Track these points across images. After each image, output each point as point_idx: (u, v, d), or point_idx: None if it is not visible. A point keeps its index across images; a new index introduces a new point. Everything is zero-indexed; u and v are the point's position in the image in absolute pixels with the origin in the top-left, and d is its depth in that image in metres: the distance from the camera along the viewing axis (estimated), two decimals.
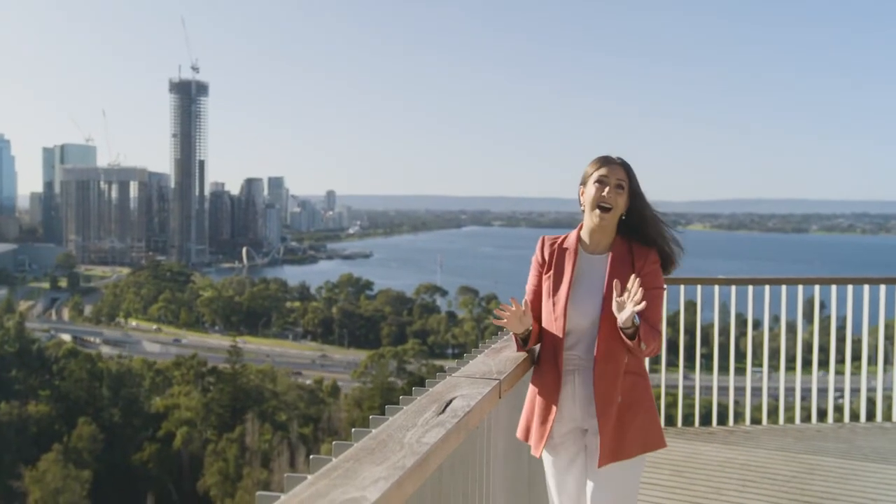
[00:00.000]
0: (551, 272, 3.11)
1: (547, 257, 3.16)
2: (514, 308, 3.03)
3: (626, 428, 2.99)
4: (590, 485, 3.05)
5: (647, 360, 3.26)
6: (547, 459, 3.19)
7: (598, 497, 3.02)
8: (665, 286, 3.10)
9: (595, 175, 3.04)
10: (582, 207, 3.10)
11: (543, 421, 3.08)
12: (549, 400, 3.07)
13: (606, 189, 3.00)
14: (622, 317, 2.84)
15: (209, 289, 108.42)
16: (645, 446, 3.04)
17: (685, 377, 7.10)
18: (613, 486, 3.01)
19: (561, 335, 3.04)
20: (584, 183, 3.09)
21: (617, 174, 3.02)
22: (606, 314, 2.96)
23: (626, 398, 2.99)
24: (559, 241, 3.18)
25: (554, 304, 3.07)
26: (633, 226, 3.07)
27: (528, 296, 3.20)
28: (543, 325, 3.12)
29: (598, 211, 3.01)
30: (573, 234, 3.16)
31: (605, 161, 3.06)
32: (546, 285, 3.13)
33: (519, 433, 3.22)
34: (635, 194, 3.05)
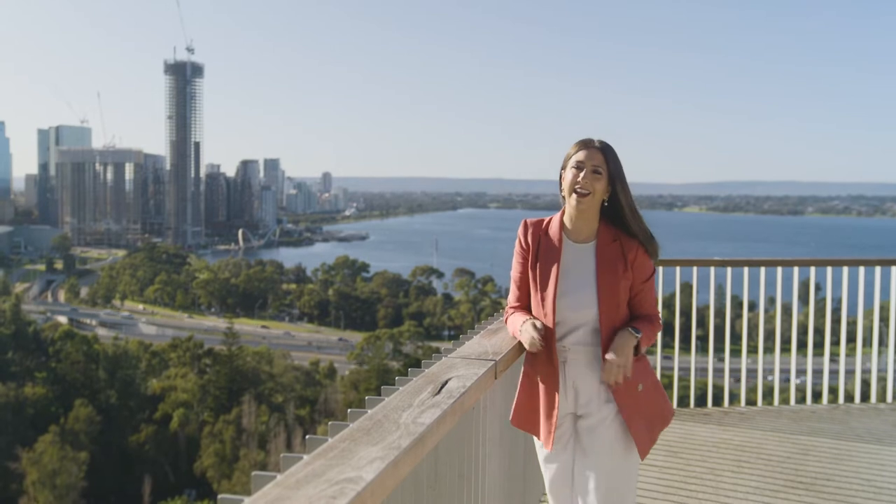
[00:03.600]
0: (538, 263, 3.02)
1: (531, 244, 3.06)
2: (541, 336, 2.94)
3: (653, 409, 3.00)
4: (588, 475, 2.96)
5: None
6: (540, 445, 3.11)
7: (595, 486, 2.93)
8: (654, 267, 3.04)
9: (573, 160, 2.95)
10: (562, 192, 3.00)
11: (549, 414, 2.99)
12: (550, 391, 2.99)
13: (582, 174, 2.90)
14: (608, 379, 2.85)
15: (205, 271, 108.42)
16: (664, 421, 3.07)
17: (680, 359, 7.13)
18: (616, 473, 2.96)
19: (552, 326, 2.96)
20: (564, 167, 3.00)
21: (594, 159, 2.91)
22: (604, 307, 2.90)
23: (644, 382, 2.97)
24: (543, 226, 3.08)
25: (543, 299, 2.99)
26: (615, 212, 2.98)
27: (514, 282, 3.12)
28: (533, 314, 3.05)
29: (575, 196, 2.92)
30: (556, 220, 3.05)
31: (583, 145, 2.96)
32: (533, 276, 3.04)
33: (513, 420, 3.13)
34: (615, 179, 2.94)
